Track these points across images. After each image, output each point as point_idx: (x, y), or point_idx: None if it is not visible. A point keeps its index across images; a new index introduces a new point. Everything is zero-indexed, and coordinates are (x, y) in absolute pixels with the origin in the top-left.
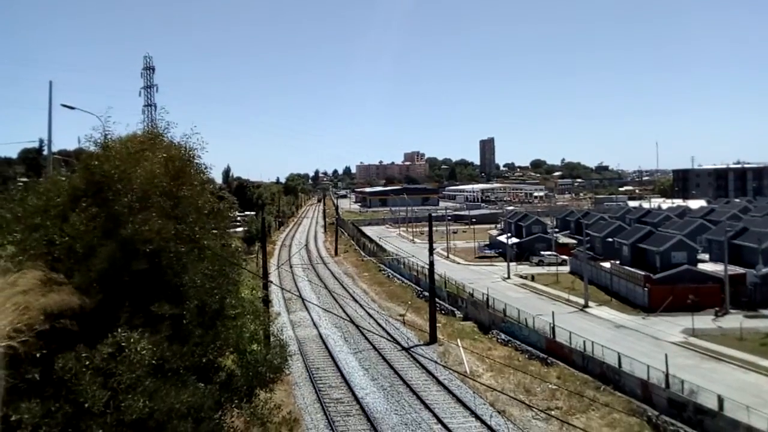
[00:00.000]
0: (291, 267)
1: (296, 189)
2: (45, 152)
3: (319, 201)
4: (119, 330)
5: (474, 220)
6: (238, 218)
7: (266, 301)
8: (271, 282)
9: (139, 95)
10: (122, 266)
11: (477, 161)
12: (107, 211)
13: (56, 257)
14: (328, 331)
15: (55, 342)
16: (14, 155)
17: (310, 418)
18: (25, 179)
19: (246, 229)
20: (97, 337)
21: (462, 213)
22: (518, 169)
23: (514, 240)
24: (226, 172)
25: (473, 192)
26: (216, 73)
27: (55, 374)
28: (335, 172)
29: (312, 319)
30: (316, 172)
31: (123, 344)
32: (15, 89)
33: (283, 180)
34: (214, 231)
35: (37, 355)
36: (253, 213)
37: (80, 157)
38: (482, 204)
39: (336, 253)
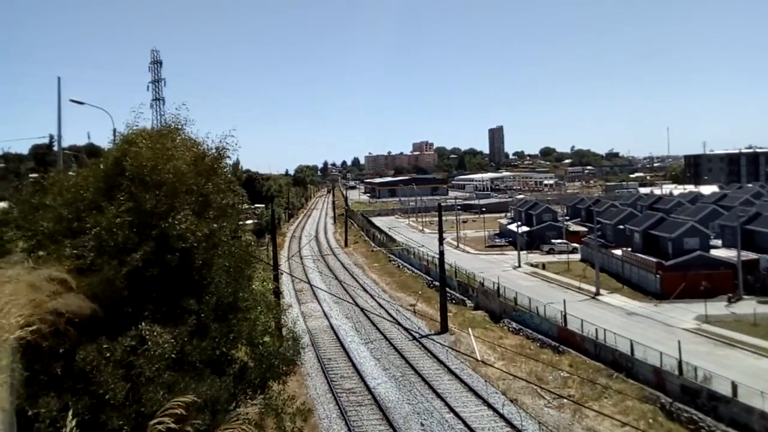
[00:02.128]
0: (301, 258)
1: (305, 181)
2: (55, 148)
3: (328, 192)
4: (143, 323)
5: (484, 209)
6: (248, 211)
7: (277, 293)
8: (283, 271)
9: (147, 90)
10: (154, 262)
11: (486, 150)
12: (138, 205)
13: (85, 247)
14: (339, 322)
15: (80, 334)
16: (25, 151)
17: (323, 408)
18: (35, 175)
19: (256, 221)
20: (123, 331)
21: (471, 202)
22: (528, 158)
23: (525, 228)
24: (235, 165)
25: (483, 181)
26: (224, 67)
27: (76, 366)
28: (344, 163)
29: (323, 310)
30: (325, 164)
31: (146, 336)
32: (22, 86)
33: (292, 172)
34: (231, 226)
35: (60, 350)
36: (262, 205)
37: (106, 152)
38: (492, 193)
39: (346, 244)
